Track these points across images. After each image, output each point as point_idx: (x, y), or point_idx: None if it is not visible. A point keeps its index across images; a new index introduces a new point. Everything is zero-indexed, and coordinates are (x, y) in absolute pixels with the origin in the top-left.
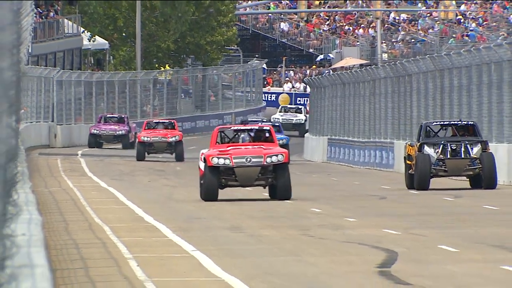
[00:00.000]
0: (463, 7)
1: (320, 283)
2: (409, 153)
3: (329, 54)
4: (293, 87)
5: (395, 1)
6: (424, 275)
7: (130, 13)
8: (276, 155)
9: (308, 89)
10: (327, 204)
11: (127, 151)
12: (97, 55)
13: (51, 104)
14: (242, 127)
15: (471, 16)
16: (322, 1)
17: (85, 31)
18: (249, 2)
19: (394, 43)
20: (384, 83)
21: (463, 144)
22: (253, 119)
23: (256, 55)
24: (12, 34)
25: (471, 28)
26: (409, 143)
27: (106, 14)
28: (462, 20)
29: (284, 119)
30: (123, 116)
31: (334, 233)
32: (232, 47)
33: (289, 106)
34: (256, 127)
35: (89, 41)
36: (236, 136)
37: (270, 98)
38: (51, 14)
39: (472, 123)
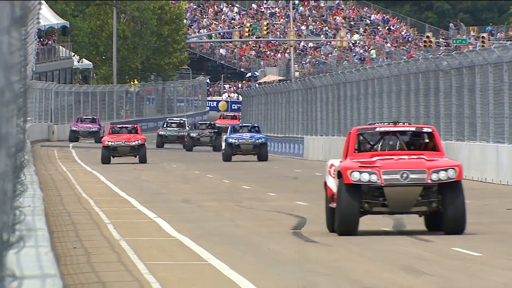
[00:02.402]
0: (354, 37)
1: (249, 240)
2: None
3: (256, 72)
4: (229, 96)
5: (304, 33)
6: (326, 235)
7: (108, 41)
8: (445, 170)
9: (240, 98)
10: (254, 183)
11: None
12: (84, 73)
13: (50, 109)
14: (392, 128)
15: (360, 44)
16: (251, 33)
17: (75, 55)
18: (197, 33)
19: (304, 64)
20: (296, 93)
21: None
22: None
23: (202, 73)
24: (21, 57)
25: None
26: None
27: (90, 42)
28: (353, 47)
29: (169, 131)
30: (95, 117)
31: (259, 204)
32: (184, 67)
33: (174, 119)
34: (413, 129)
35: (78, 62)
36: (383, 140)
37: (212, 105)
38: (50, 42)
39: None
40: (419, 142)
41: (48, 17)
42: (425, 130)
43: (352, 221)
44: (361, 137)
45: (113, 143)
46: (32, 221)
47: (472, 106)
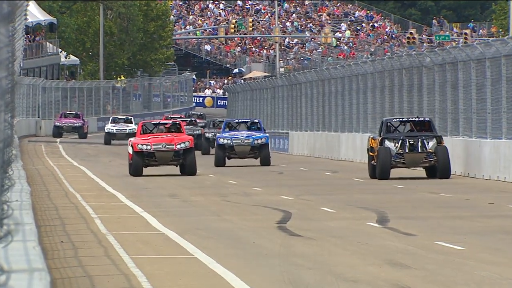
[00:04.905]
0: (338, 34)
1: (235, 235)
2: (371, 145)
3: (241, 68)
4: (213, 92)
5: (288, 29)
6: (310, 229)
7: (95, 38)
8: None
9: (226, 94)
10: (240, 177)
11: (92, 139)
12: (71, 69)
13: (37, 104)
14: None
15: (344, 41)
16: (236, 30)
17: (62, 51)
18: (183, 30)
19: (288, 60)
20: (281, 89)
21: (420, 139)
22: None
23: (188, 69)
24: (8, 53)
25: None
26: (372, 136)
27: (77, 38)
28: (339, 44)
29: (118, 129)
30: (78, 112)
31: (245, 199)
32: (170, 63)
33: (119, 117)
34: None
35: (65, 58)
36: None
37: (198, 100)
38: (37, 38)
39: (428, 119)
40: None
41: (35, 14)
42: None
43: None
44: None
45: (149, 147)
46: (19, 216)
47: (455, 102)
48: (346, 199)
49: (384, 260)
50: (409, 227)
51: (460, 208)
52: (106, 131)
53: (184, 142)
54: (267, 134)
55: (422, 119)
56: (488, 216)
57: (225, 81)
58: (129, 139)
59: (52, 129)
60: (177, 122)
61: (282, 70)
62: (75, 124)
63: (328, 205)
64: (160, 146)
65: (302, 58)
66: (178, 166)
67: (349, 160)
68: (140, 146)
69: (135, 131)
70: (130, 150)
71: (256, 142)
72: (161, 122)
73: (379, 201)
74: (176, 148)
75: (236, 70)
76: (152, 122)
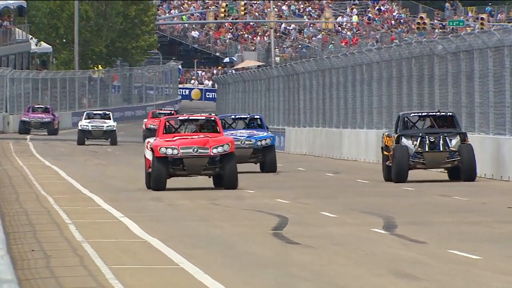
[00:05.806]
0: (340, 19)
1: (225, 242)
2: (386, 143)
3: (233, 57)
4: (200, 83)
5: (285, 14)
6: (309, 236)
7: (69, 23)
8: None
9: (216, 86)
10: None
11: (65, 136)
12: (42, 57)
13: (5, 97)
14: None
15: (346, 27)
16: (227, 14)
17: (33, 38)
18: (167, 14)
19: (285, 48)
20: (276, 80)
21: (441, 136)
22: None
23: (173, 58)
24: None
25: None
26: (386, 133)
27: (49, 23)
28: (339, 30)
29: (94, 126)
30: (48, 106)
31: (237, 203)
32: (153, 51)
33: (95, 112)
34: None
35: (36, 46)
36: None
37: (184, 93)
38: (5, 23)
39: (450, 114)
40: None
41: None
42: None
43: None
44: None
45: (176, 151)
46: None
47: (470, 94)
48: (348, 203)
49: (391, 271)
50: (419, 234)
51: (476, 213)
52: (79, 128)
53: (222, 145)
54: (272, 134)
55: (444, 113)
56: (506, 221)
57: (215, 71)
58: (147, 140)
59: (19, 124)
60: (213, 119)
61: (277, 59)
62: (44, 119)
63: (328, 209)
64: (191, 150)
65: (300, 46)
66: (212, 177)
67: (352, 159)
68: (164, 150)
69: (114, 128)
70: (149, 155)
71: (259, 143)
72: (190, 117)
73: (386, 205)
74: (212, 153)
75: (226, 59)
76: (179, 118)
